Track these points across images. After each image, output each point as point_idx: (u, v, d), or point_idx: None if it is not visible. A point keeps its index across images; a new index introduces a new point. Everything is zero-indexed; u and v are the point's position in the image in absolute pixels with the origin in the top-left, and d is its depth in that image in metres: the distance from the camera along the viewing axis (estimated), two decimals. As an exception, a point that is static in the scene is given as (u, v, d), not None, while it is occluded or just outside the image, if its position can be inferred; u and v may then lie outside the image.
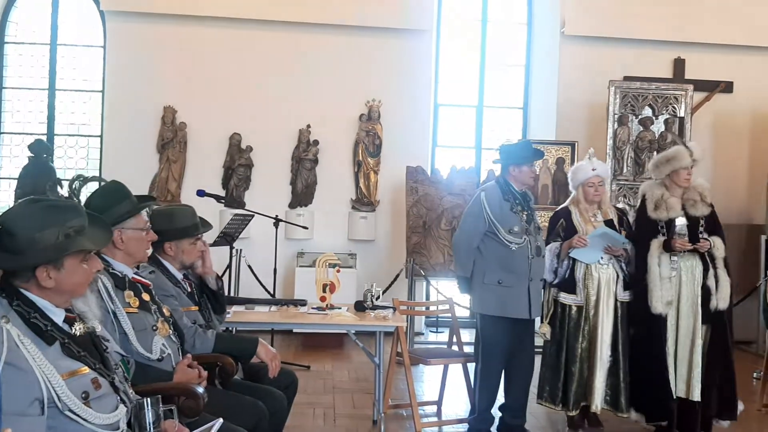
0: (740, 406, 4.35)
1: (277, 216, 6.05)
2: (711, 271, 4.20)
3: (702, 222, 4.24)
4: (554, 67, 7.97)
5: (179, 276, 3.15)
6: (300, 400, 4.91)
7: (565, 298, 4.32)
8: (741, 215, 7.97)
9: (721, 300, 4.17)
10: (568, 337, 4.30)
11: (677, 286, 4.22)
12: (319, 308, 4.15)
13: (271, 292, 6.39)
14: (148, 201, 2.83)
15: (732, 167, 7.95)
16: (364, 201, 7.63)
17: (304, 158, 7.56)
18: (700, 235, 4.21)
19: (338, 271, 4.31)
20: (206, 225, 3.27)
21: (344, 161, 7.73)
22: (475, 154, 8.49)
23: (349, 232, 7.66)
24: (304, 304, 4.30)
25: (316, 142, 7.61)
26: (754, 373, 5.87)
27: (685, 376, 4.21)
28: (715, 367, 4.20)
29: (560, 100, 7.89)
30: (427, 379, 5.76)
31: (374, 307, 4.19)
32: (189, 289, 3.15)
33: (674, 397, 4.21)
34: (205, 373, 2.70)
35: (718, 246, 4.22)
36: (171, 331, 2.72)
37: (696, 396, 4.18)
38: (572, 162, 7.15)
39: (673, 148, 4.45)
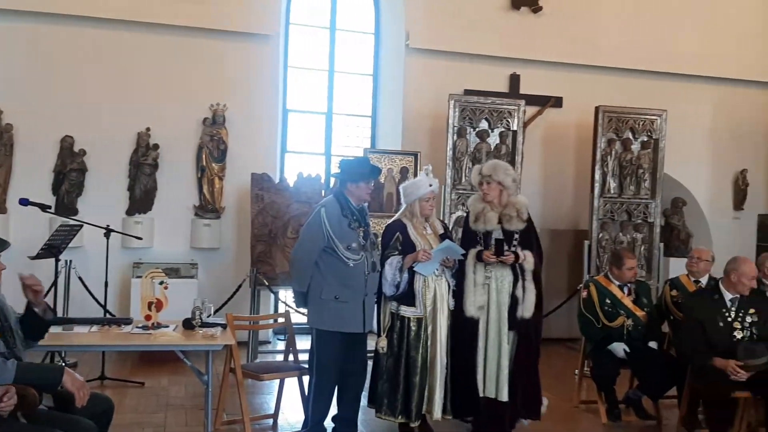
0: (545, 401, 4.72)
1: (108, 226, 5.76)
2: (520, 282, 4.51)
3: (516, 236, 4.55)
4: (400, 78, 8.18)
5: (-20, 302, 2.92)
6: (129, 420, 4.77)
7: (405, 311, 4.44)
8: (569, 221, 8.58)
9: (526, 309, 4.50)
10: (408, 349, 4.42)
11: (489, 293, 4.51)
12: (144, 327, 4.00)
13: (104, 306, 6.07)
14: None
15: (561, 177, 8.54)
16: (207, 208, 7.44)
17: (143, 163, 7.25)
18: (513, 249, 4.51)
19: (166, 287, 4.17)
20: (4, 244, 3.06)
21: (187, 166, 7.50)
22: (325, 160, 8.54)
23: (192, 240, 7.44)
24: (129, 323, 4.12)
25: (156, 146, 7.32)
26: (576, 371, 6.32)
27: (494, 377, 4.49)
28: (522, 370, 4.53)
29: (406, 111, 8.11)
30: (268, 392, 5.72)
31: (203, 325, 4.09)
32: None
33: (481, 395, 4.48)
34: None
35: (528, 260, 4.53)
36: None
37: (504, 397, 4.48)
38: (415, 172, 7.38)
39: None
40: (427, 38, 8.04)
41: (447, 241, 4.47)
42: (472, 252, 4.52)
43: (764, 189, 9.28)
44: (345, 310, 4.20)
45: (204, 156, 7.42)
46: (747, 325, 4.54)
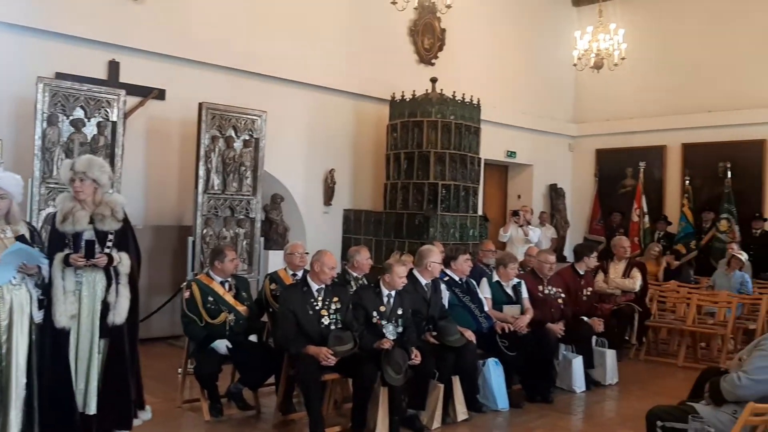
0: (147, 410, 4.58)
1: None
2: (113, 287, 4.28)
3: (110, 237, 4.30)
4: (-26, 52, 7.03)
5: None
6: None
7: None
8: (173, 217, 8.44)
9: (118, 315, 4.27)
10: None
11: (81, 300, 4.21)
12: None
13: None
14: None
15: (165, 171, 8.33)
16: None
17: None
18: (107, 250, 4.27)
19: None
20: None
21: None
22: None
23: None
24: None
25: None
26: (179, 370, 6.23)
27: (83, 390, 4.22)
28: (113, 381, 4.29)
29: (-16, 92, 7.00)
30: None
31: None
32: None
33: (80, 411, 4.18)
34: None
35: (123, 262, 4.31)
36: None
37: (93, 410, 4.23)
38: (-6, 163, 6.42)
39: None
40: (11, 12, 7.04)
41: (17, 244, 3.94)
42: (59, 256, 4.12)
43: (348, 186, 10.44)
44: None
45: None
46: (332, 312, 5.04)
